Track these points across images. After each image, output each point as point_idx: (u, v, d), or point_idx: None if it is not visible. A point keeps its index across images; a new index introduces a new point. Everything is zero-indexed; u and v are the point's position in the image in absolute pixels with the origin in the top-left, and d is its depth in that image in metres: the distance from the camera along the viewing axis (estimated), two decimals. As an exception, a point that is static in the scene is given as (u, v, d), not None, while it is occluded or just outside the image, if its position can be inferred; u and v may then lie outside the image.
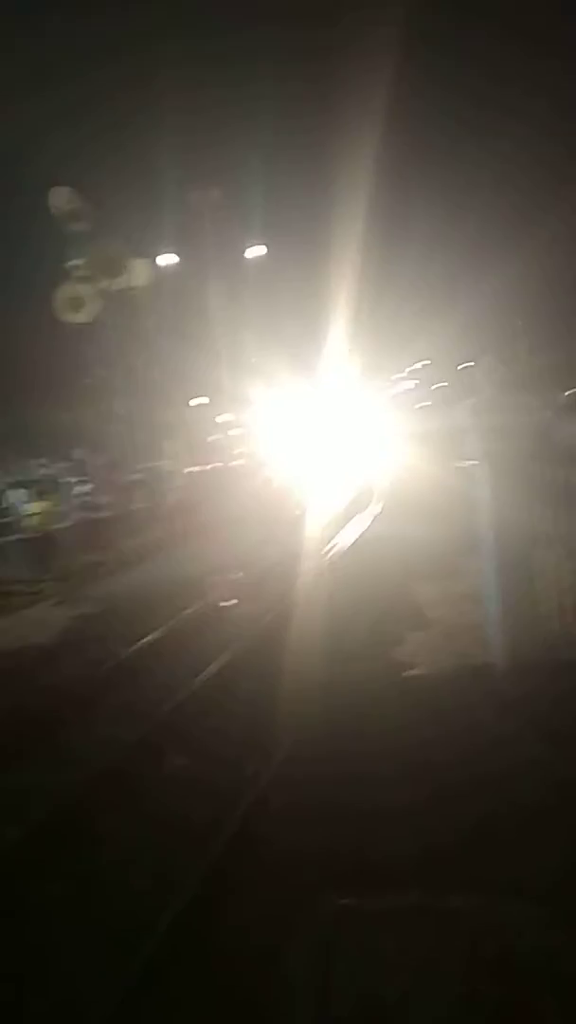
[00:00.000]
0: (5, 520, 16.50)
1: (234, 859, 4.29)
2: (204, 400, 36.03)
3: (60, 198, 22.62)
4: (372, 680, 6.80)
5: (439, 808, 4.30)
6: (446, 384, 44.16)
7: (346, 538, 14.61)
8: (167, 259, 29.03)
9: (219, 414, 32.98)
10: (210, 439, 33.10)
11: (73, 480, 21.06)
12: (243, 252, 32.24)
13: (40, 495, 17.42)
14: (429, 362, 51.99)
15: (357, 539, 14.64)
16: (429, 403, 43.81)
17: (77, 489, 20.03)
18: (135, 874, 4.39)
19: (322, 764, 5.12)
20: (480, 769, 4.71)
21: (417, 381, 54.12)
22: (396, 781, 4.68)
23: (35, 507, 16.73)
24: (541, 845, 3.98)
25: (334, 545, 13.82)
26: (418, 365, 54.09)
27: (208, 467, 26.48)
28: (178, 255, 29.73)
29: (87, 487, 20.73)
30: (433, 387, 48.53)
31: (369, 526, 16.23)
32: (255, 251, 32.39)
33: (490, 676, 6.39)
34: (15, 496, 20.25)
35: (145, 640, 8.94)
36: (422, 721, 5.63)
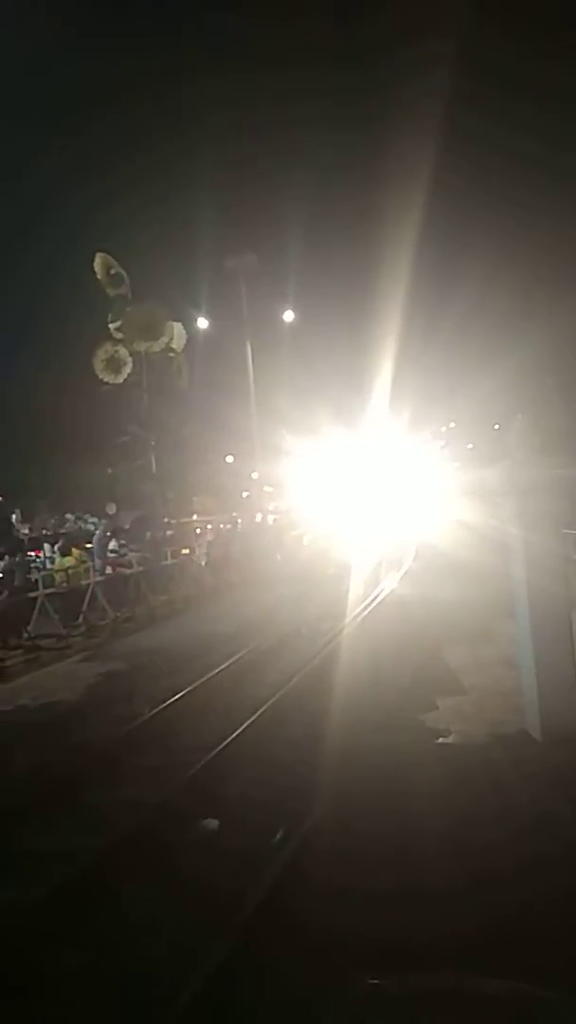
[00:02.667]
0: (36, 574, 16.63)
1: (259, 933, 4.13)
2: (239, 457, 36.43)
3: (103, 263, 23.46)
4: (404, 751, 6.61)
5: (477, 891, 4.10)
6: (472, 446, 44.21)
7: (378, 598, 14.48)
8: (205, 322, 29.84)
9: (253, 471, 33.25)
10: (244, 495, 33.33)
11: (105, 535, 21.25)
12: (281, 314, 33.02)
13: (71, 550, 17.55)
14: (454, 425, 52.21)
15: (389, 599, 14.49)
16: (458, 464, 43.83)
17: (109, 544, 20.17)
18: (155, 946, 4.24)
19: (352, 838, 4.95)
20: (521, 851, 4.50)
21: (444, 442, 54.32)
22: (431, 861, 4.49)
23: (66, 561, 16.85)
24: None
25: (367, 605, 13.69)
26: (449, 426, 54.33)
27: (240, 523, 26.59)
28: (216, 318, 30.56)
29: (119, 542, 20.87)
30: (463, 447, 48.58)
31: (402, 586, 16.08)
32: (291, 315, 33.17)
33: (525, 748, 6.19)
34: (46, 550, 20.46)
35: (172, 699, 8.84)
36: (457, 797, 5.42)
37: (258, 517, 28.61)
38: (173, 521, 24.79)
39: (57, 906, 4.66)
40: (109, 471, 29.40)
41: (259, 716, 7.76)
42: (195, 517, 27.79)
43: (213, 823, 5.78)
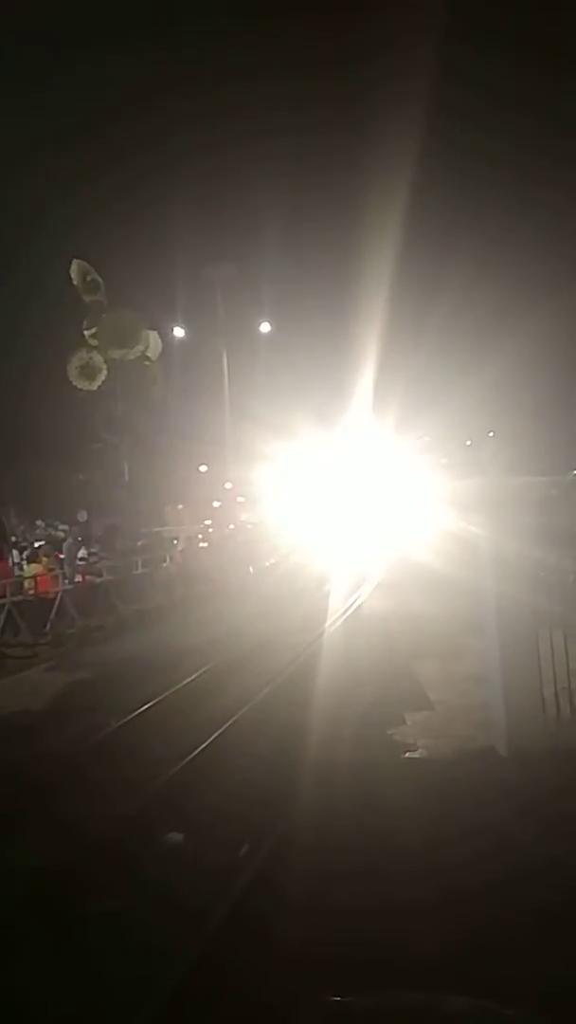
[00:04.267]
0: (4, 581, 16.40)
1: (224, 948, 4.09)
2: (213, 467, 36.34)
3: (79, 269, 23.36)
4: (373, 766, 6.60)
5: (444, 910, 4.09)
6: (445, 460, 44.55)
7: (351, 611, 14.48)
8: (181, 331, 29.79)
9: (226, 481, 33.18)
10: (215, 505, 33.22)
11: (76, 542, 21.02)
12: (258, 325, 33.07)
13: (40, 557, 17.35)
14: (428, 439, 52.54)
15: (363, 612, 14.51)
16: (431, 476, 44.08)
17: (79, 552, 19.97)
18: (118, 960, 4.17)
19: (318, 855, 4.92)
20: (489, 870, 4.50)
21: (418, 455, 54.55)
22: (398, 878, 4.48)
23: (34, 569, 16.64)
24: (551, 952, 3.78)
25: (339, 618, 13.68)
26: (423, 440, 54.64)
27: (212, 533, 26.49)
28: (193, 328, 30.53)
29: (89, 550, 20.67)
30: (436, 461, 48.84)
31: (376, 598, 16.11)
32: (267, 326, 33.26)
33: (494, 764, 6.21)
34: (15, 557, 20.17)
35: (139, 710, 8.75)
36: (426, 816, 5.40)
37: (231, 527, 28.54)
38: (144, 530, 24.64)
39: (17, 919, 4.57)
40: (80, 478, 29.20)
41: (228, 728, 7.72)
42: (167, 526, 27.63)
43: (180, 835, 5.73)
